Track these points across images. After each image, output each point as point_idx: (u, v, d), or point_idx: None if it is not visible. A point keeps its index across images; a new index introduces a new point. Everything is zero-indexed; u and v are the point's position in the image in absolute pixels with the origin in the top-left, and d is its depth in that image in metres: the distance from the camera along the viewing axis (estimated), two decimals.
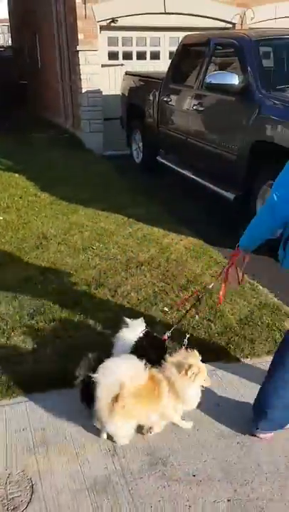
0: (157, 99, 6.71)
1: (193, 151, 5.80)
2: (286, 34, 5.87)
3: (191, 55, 6.39)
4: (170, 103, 6.39)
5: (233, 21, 9.00)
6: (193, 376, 2.12)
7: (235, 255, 2.45)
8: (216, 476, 2.04)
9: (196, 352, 2.22)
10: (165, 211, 5.58)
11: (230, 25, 9.05)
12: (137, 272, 3.96)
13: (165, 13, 8.71)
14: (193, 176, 5.84)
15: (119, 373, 2.08)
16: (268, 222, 2.23)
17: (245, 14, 8.71)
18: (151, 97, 6.90)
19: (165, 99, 6.47)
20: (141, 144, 7.62)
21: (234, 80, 4.79)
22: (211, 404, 2.43)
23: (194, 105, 5.63)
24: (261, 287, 3.77)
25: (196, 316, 2.97)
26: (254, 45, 4.94)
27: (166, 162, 6.73)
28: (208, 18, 8.92)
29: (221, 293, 2.59)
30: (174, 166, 6.44)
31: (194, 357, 2.19)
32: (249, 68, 4.81)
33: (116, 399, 2.01)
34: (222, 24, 9.07)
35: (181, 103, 6.09)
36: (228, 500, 1.93)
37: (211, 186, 5.41)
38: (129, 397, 2.02)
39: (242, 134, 4.77)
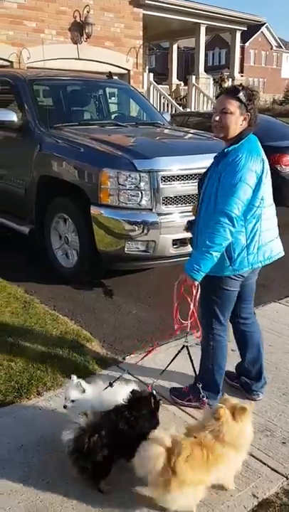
0: None
1: None
2: (60, 75, 6.25)
3: None
4: None
5: (11, 59, 9.16)
6: None
7: (182, 287, 2.47)
8: None
9: None
10: None
11: (7, 63, 9.19)
12: None
13: None
14: None
15: None
16: (228, 238, 2.34)
17: (21, 53, 8.96)
18: None
19: None
20: None
21: (12, 117, 4.86)
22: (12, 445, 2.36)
23: None
24: (62, 316, 3.84)
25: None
26: (28, 84, 5.11)
27: None
28: None
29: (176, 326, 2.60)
30: None
31: None
32: (26, 106, 4.95)
33: None
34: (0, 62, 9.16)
35: None
36: None
37: (6, 222, 5.33)
38: None
39: (28, 169, 4.85)
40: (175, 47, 18.83)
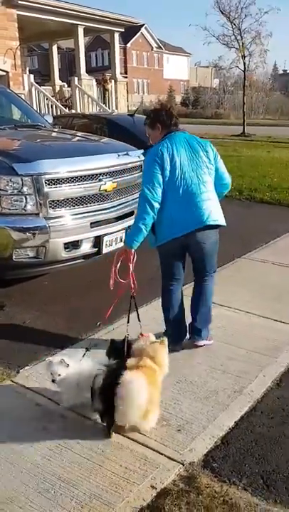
0: None
1: None
2: None
3: None
4: None
5: None
6: None
7: (121, 255, 3.07)
8: None
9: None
10: None
11: None
12: None
13: None
14: None
15: None
16: (152, 212, 3.00)
17: None
18: None
19: None
20: None
21: None
22: None
23: None
24: None
25: None
26: None
27: None
28: None
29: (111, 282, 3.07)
30: None
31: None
32: None
33: None
34: None
35: None
36: None
37: None
38: None
39: None
40: (55, 48, 18.59)
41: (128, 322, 2.94)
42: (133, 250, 3.03)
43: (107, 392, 2.36)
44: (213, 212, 3.13)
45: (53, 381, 2.55)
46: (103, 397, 2.39)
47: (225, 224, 3.23)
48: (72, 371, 2.55)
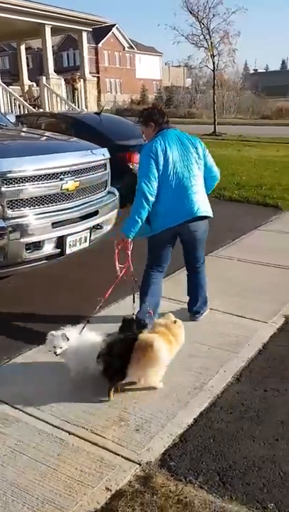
0: None
1: None
2: None
3: None
4: None
5: None
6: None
7: (119, 244, 3.27)
8: None
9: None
10: None
11: None
12: None
13: None
14: None
15: None
16: (147, 206, 3.22)
17: None
18: None
19: None
20: None
21: None
22: None
23: None
24: None
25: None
26: None
27: None
28: None
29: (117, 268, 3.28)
30: None
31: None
32: None
33: None
34: None
35: None
36: None
37: None
38: None
39: None
40: (23, 47, 18.37)
41: (134, 302, 3.23)
42: (130, 240, 3.26)
43: (119, 351, 2.64)
44: (203, 204, 3.41)
45: (57, 354, 2.74)
46: (116, 355, 2.64)
47: (212, 216, 3.52)
48: (73, 345, 2.74)
